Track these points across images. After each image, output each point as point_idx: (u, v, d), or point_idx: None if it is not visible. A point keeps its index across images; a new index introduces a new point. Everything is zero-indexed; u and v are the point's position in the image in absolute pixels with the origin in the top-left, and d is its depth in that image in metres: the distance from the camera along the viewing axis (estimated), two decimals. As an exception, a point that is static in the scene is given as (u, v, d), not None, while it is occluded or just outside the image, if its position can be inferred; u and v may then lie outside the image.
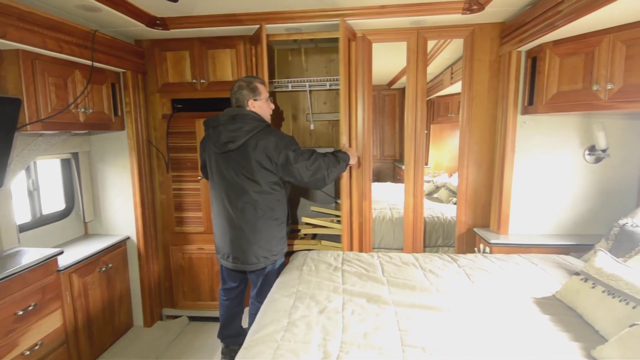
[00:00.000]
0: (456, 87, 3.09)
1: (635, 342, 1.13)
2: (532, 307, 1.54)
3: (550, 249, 2.27)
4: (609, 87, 1.77)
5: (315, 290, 1.70)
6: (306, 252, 2.26)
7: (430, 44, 2.81)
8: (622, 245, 1.81)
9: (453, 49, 2.94)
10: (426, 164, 4.87)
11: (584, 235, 2.36)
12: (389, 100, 4.95)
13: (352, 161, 2.19)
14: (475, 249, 2.54)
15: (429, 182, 4.33)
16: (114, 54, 2.33)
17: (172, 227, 2.79)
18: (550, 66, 2.07)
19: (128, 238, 2.65)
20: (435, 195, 4.01)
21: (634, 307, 1.30)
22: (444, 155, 4.85)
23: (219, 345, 2.36)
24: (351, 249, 2.68)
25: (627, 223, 1.91)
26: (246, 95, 1.95)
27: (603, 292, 1.43)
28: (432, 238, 3.09)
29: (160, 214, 2.80)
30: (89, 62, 2.11)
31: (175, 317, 2.89)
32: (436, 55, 3.26)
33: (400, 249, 2.83)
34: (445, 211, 3.30)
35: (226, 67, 2.55)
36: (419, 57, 2.50)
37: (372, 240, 2.77)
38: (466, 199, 2.65)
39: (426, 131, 4.91)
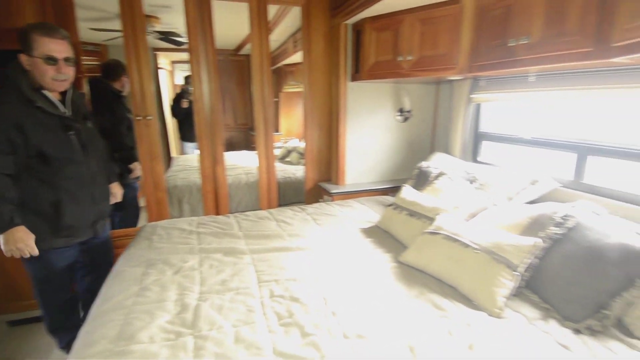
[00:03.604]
0: (300, 56, 3.30)
1: (423, 243, 1.57)
2: (360, 235, 1.91)
3: (376, 192, 2.81)
4: (409, 58, 2.23)
5: (169, 255, 1.65)
6: (155, 223, 2.13)
7: (274, 10, 2.90)
8: (420, 182, 2.39)
9: (294, 17, 3.10)
10: (277, 130, 5.10)
11: (399, 180, 2.98)
12: (238, 67, 4.87)
13: None
14: (321, 200, 2.89)
15: (281, 147, 4.57)
16: None
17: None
18: (369, 39, 2.44)
19: None
20: (287, 159, 4.29)
21: (424, 222, 1.78)
22: (294, 122, 5.16)
23: (54, 343, 2.03)
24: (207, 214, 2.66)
25: (423, 165, 2.52)
26: (21, 44, 1.48)
27: (406, 215, 1.89)
28: (287, 196, 3.34)
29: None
30: None
31: (-13, 327, 2.30)
32: (279, 22, 3.38)
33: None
34: (296, 172, 3.59)
35: (21, 7, 2.02)
36: (261, 21, 2.56)
37: (228, 204, 2.80)
38: (312, 159, 2.95)
39: (276, 99, 5.11)
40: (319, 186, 2.97)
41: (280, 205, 3.21)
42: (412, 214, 1.87)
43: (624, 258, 1.19)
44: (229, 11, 2.82)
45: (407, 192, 2.06)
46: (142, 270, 1.52)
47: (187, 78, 3.89)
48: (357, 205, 2.46)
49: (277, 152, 4.50)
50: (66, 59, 1.51)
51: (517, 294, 1.33)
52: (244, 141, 5.06)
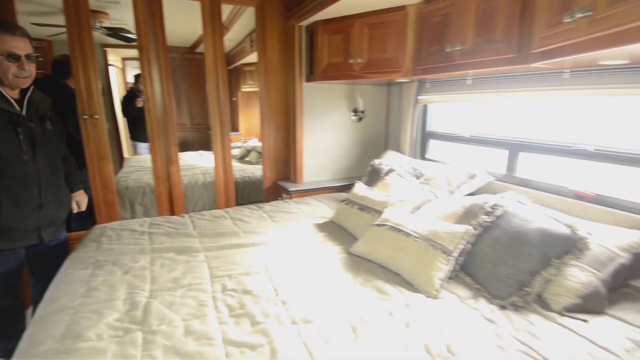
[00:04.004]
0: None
1: (371, 234, 1.67)
2: (314, 229, 1.98)
3: (332, 190, 2.90)
4: (359, 61, 2.34)
5: (119, 256, 1.62)
6: (104, 224, 2.06)
7: (228, 9, 2.90)
8: (373, 178, 2.51)
9: (250, 16, 3.11)
10: (237, 130, 5.07)
11: (355, 177, 3.09)
12: (194, 65, 4.77)
13: None
14: (279, 198, 2.93)
15: (240, 147, 4.55)
16: None
17: None
18: (322, 41, 2.52)
19: None
20: (247, 159, 4.28)
21: (373, 215, 1.88)
22: (253, 121, 5.14)
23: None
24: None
25: (375, 163, 2.64)
26: None
27: (357, 209, 1.99)
28: (245, 196, 3.33)
29: None
30: None
31: None
32: (235, 21, 3.37)
33: (215, 210, 2.94)
34: (256, 171, 3.60)
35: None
36: (215, 20, 2.55)
37: (184, 205, 2.76)
38: (269, 158, 2.98)
39: (234, 98, 5.06)
40: (277, 185, 3.00)
41: (239, 204, 3.20)
42: (363, 208, 1.97)
43: (542, 241, 1.35)
44: (181, 8, 2.78)
45: (359, 188, 2.16)
46: (89, 271, 1.48)
47: (137, 77, 3.77)
48: (313, 202, 2.53)
49: (236, 151, 4.47)
50: (28, 56, 1.50)
51: (453, 276, 1.46)
52: (201, 141, 4.97)
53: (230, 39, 3.97)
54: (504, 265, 1.37)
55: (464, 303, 1.30)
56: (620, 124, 1.69)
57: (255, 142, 4.49)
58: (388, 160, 2.66)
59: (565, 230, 1.34)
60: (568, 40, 1.20)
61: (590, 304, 1.27)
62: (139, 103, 3.57)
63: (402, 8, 2.09)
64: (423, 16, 2.02)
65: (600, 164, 1.71)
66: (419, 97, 2.66)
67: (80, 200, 1.93)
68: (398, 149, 2.94)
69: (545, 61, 1.41)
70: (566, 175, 1.88)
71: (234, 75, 4.94)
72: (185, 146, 4.76)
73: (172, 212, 2.69)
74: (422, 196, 1.98)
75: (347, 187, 2.91)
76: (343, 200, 2.15)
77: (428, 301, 1.30)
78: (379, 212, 1.85)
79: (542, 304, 1.31)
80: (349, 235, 1.92)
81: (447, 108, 2.71)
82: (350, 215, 1.99)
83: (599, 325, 1.20)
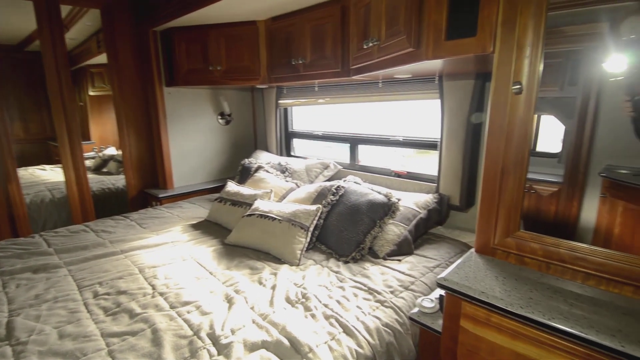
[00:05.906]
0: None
1: (243, 224, 1.88)
2: (189, 229, 2.08)
3: (206, 192, 2.98)
4: (219, 68, 2.50)
5: (-47, 288, 1.41)
6: None
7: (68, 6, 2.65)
8: (243, 176, 2.71)
9: (95, 16, 2.89)
10: (88, 139, 4.54)
11: (228, 178, 3.22)
12: (26, 67, 4.08)
13: None
14: (149, 206, 2.85)
15: (94, 157, 4.11)
16: None
17: None
18: (180, 48, 2.58)
19: None
20: (104, 170, 3.91)
21: (245, 208, 2.09)
22: (108, 128, 4.68)
23: None
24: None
25: (245, 162, 2.85)
26: None
27: (230, 205, 2.17)
28: (107, 209, 3.09)
29: None
30: None
31: None
32: (77, 20, 3.08)
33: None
34: (117, 181, 3.37)
35: None
36: (52, 19, 2.33)
37: (29, 225, 2.44)
38: (132, 165, 2.87)
39: (81, 103, 4.53)
40: (144, 193, 2.91)
41: (98, 218, 2.96)
42: (235, 203, 2.16)
43: (370, 208, 1.80)
44: (7, 5, 2.44)
45: (231, 186, 2.34)
46: None
47: None
48: (186, 205, 2.58)
49: (90, 162, 4.04)
50: None
51: (312, 246, 1.80)
52: (41, 154, 4.28)
53: (72, 37, 3.58)
54: (346, 231, 1.77)
55: (319, 264, 1.65)
56: (418, 119, 2.33)
57: (112, 151, 4.14)
58: (257, 159, 2.91)
59: (384, 199, 1.82)
60: (368, 60, 1.65)
61: (403, 249, 1.77)
62: None
63: (252, 23, 2.35)
64: (272, 32, 2.32)
65: (408, 149, 2.33)
66: (279, 101, 2.98)
67: None
68: (266, 148, 3.22)
69: (359, 75, 1.87)
70: (391, 160, 2.48)
71: (80, 78, 4.42)
72: (23, 160, 4.03)
73: (16, 235, 2.34)
74: (286, 186, 2.29)
75: (221, 188, 3.01)
76: (216, 199, 2.30)
77: (292, 268, 1.59)
78: (250, 205, 2.07)
79: (373, 254, 1.75)
80: (224, 229, 2.09)
81: (305, 110, 3.12)
82: (224, 211, 2.16)
83: (408, 262, 1.70)
